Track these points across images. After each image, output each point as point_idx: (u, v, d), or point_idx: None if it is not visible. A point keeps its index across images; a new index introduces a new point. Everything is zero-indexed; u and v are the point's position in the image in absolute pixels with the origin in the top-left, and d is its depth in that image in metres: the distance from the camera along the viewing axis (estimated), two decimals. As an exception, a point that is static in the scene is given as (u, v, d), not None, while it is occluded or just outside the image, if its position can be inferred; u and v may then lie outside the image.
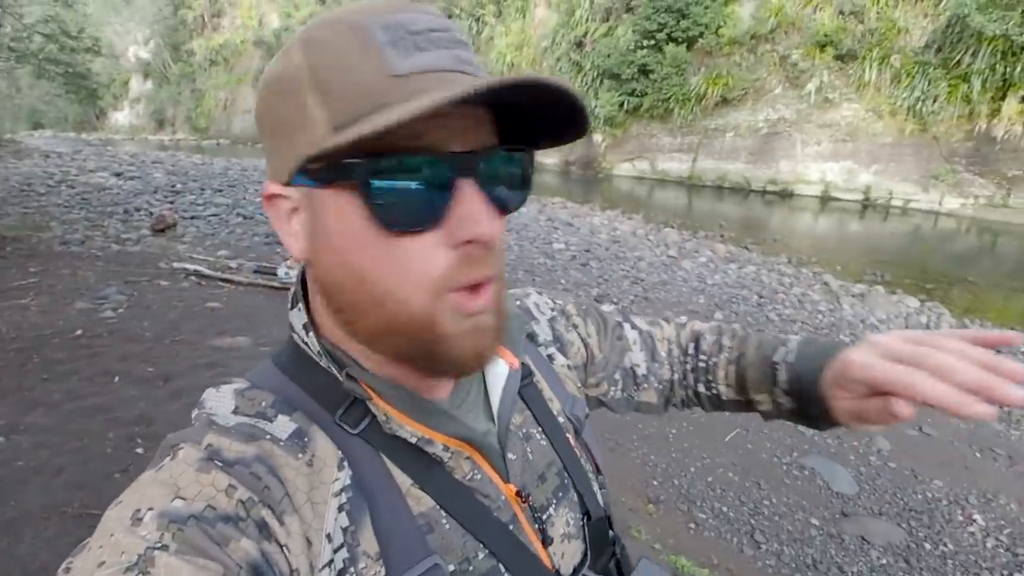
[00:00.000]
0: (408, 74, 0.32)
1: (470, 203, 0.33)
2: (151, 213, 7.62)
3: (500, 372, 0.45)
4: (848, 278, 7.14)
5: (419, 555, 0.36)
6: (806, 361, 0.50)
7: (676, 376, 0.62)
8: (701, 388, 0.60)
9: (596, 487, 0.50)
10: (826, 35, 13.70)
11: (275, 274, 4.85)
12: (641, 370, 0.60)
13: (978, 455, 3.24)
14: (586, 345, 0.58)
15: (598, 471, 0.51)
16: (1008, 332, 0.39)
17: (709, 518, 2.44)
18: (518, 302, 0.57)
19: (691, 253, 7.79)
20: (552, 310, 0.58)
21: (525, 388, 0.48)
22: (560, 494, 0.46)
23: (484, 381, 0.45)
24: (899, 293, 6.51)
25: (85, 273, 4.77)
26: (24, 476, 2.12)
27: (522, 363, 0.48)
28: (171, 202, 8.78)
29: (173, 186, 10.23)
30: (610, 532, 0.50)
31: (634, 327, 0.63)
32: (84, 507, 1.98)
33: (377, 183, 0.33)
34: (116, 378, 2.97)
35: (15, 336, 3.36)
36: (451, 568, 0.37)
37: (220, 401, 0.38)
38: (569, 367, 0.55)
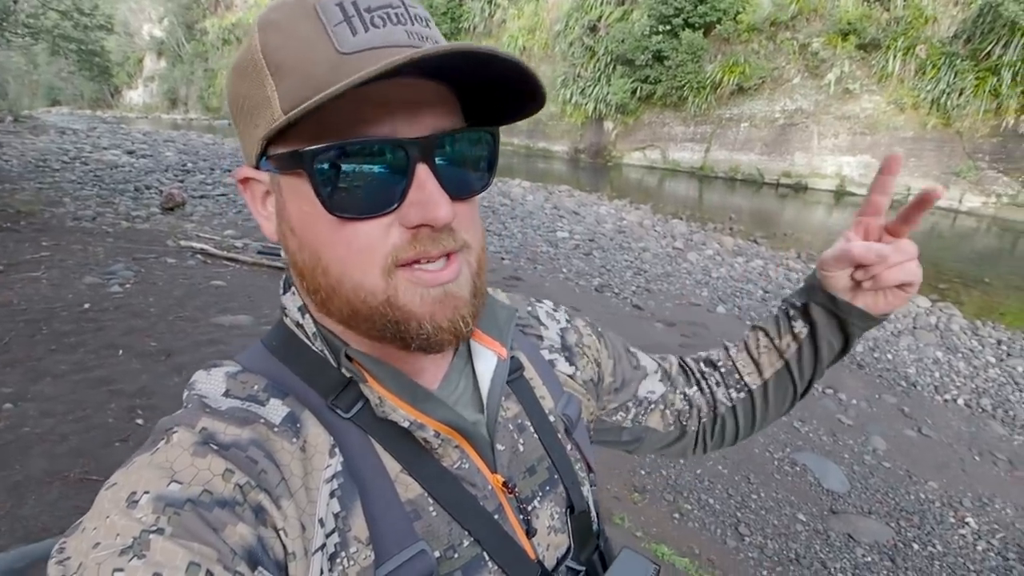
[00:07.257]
0: (355, 52, 0.32)
1: (422, 189, 0.33)
2: (161, 191, 7.71)
3: (488, 363, 0.45)
4: (857, 275, 6.99)
5: (407, 541, 0.37)
6: (802, 282, 0.62)
7: (699, 400, 0.63)
8: (733, 394, 0.63)
9: (585, 483, 0.50)
10: (849, 23, 13.21)
11: (278, 255, 4.88)
12: (655, 396, 0.61)
13: (977, 458, 3.19)
14: (598, 365, 0.58)
15: (589, 469, 0.52)
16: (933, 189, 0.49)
17: (694, 509, 2.45)
18: (529, 308, 0.57)
19: (698, 245, 7.69)
20: (567, 322, 0.58)
21: (515, 381, 0.48)
22: (547, 487, 0.47)
23: (474, 373, 0.45)
24: (909, 292, 6.38)
25: (95, 249, 4.86)
26: (30, 442, 2.20)
27: (513, 356, 0.48)
28: (181, 181, 8.87)
29: (183, 165, 10.32)
30: (594, 526, 0.50)
31: (648, 356, 0.64)
32: (85, 473, 2.06)
33: (323, 171, 0.32)
34: (120, 352, 3.05)
35: (26, 308, 3.46)
36: (436, 554, 0.38)
37: (211, 383, 0.38)
38: (572, 377, 0.55)
